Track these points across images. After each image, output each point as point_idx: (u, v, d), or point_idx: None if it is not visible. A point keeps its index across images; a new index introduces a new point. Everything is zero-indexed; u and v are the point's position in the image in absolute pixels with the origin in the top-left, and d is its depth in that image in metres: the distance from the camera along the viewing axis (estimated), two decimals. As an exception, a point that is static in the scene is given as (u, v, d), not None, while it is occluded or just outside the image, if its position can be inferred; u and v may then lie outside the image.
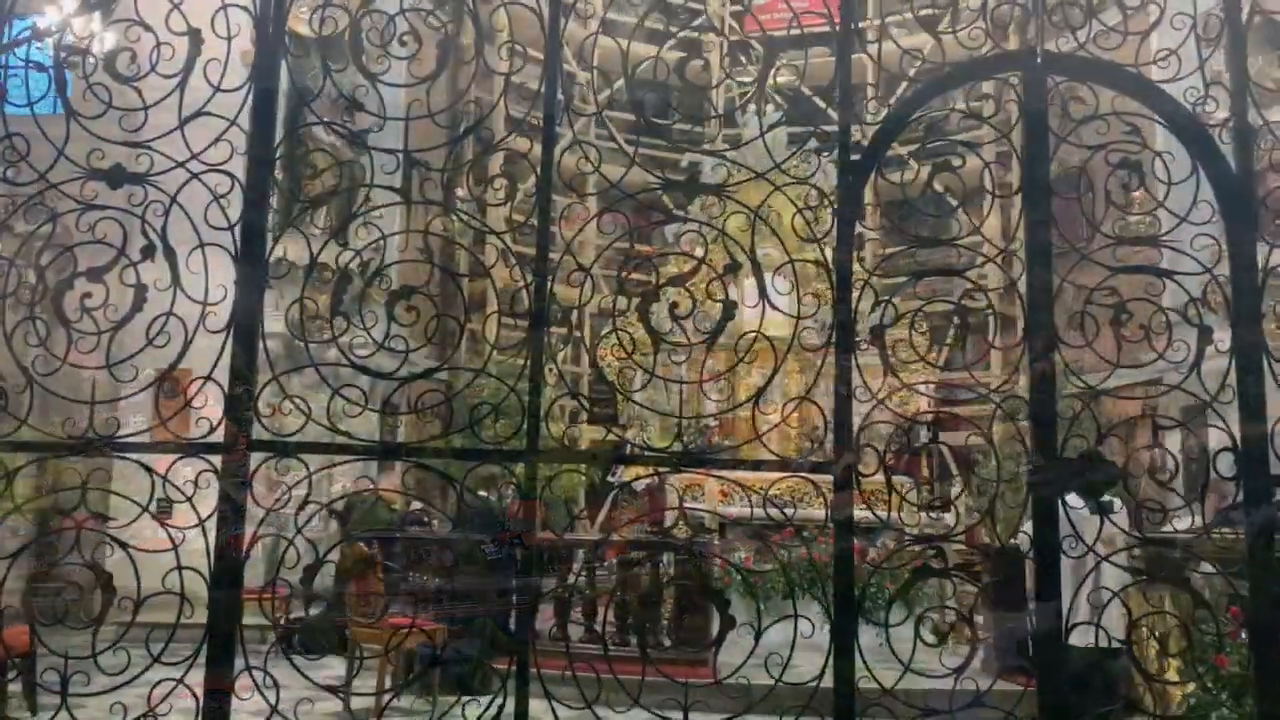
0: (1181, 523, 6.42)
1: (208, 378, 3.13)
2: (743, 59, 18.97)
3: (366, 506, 9.72)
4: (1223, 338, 3.13)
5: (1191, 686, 5.07)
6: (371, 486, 9.04)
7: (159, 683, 2.99)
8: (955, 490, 11.99)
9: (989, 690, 2.96)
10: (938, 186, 3.27)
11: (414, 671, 7.47)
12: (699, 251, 4.84)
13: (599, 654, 3.30)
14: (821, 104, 7.14)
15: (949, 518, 9.38)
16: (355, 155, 4.10)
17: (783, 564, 6.50)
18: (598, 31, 3.32)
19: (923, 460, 11.29)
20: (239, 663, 3.09)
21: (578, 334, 12.26)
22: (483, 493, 9.22)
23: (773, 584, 8.20)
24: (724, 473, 3.75)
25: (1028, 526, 3.16)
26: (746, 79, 17.78)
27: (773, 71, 3.47)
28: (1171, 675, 5.11)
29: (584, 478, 15.08)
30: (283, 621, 7.61)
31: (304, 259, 3.37)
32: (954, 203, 3.37)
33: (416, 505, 10.36)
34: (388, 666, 7.15)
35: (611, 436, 6.93)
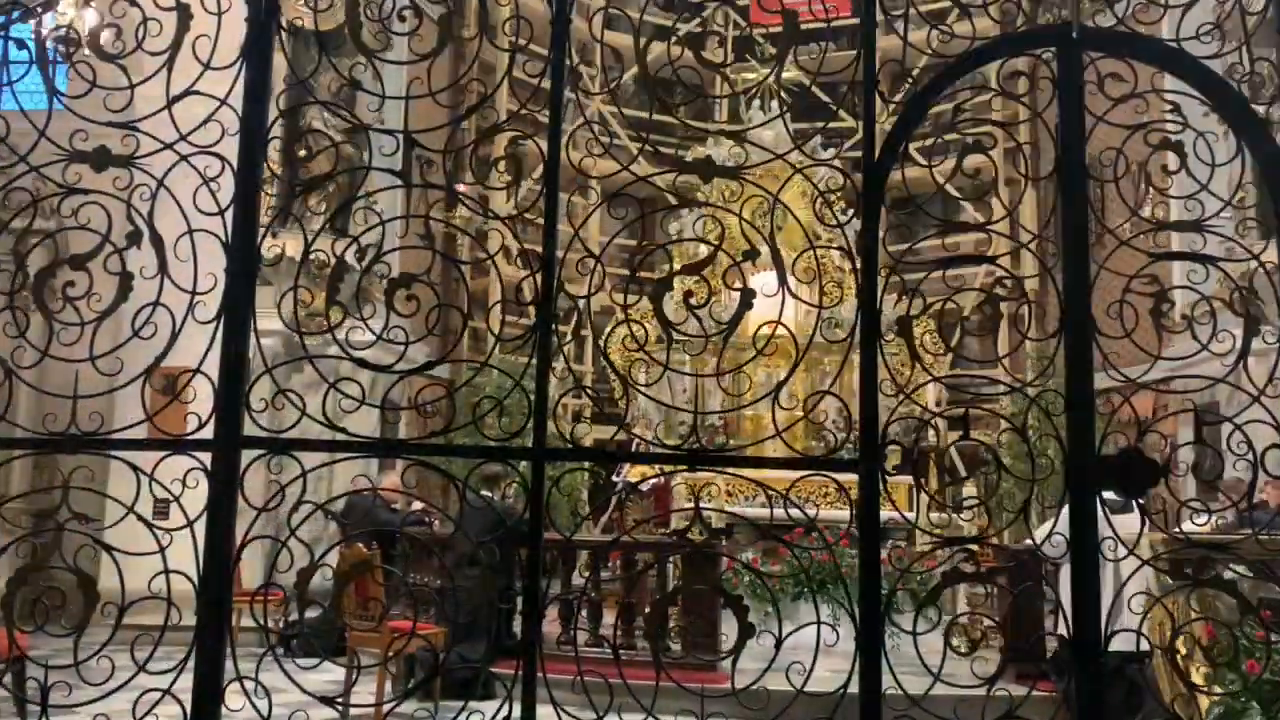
0: (1190, 523, 6.28)
1: (197, 370, 2.99)
2: (749, 56, 18.84)
3: (365, 506, 9.55)
4: (1270, 328, 2.96)
5: (1219, 693, 4.92)
6: (370, 485, 8.88)
7: (146, 691, 2.85)
8: (967, 490, 11.81)
9: (1025, 700, 2.79)
10: (967, 169, 3.11)
11: (415, 677, 7.32)
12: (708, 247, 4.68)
13: (610, 659, 3.15)
14: (832, 104, 6.99)
15: (966, 518, 9.23)
16: (355, 144, 3.96)
17: (803, 566, 6.35)
18: (607, 6, 3.16)
19: (931, 458, 11.11)
20: (230, 668, 2.94)
21: (585, 333, 12.12)
22: (485, 492, 9.05)
23: (782, 586, 8.05)
24: (742, 471, 3.58)
25: (1061, 526, 3.01)
26: (751, 75, 17.68)
27: (789, 58, 3.30)
28: (1198, 681, 4.95)
29: (589, 477, 14.95)
30: (280, 625, 7.48)
31: (300, 249, 3.22)
32: (962, 200, 3.22)
33: (417, 505, 10.19)
34: (387, 672, 7.00)
35: (620, 435, 6.77)
